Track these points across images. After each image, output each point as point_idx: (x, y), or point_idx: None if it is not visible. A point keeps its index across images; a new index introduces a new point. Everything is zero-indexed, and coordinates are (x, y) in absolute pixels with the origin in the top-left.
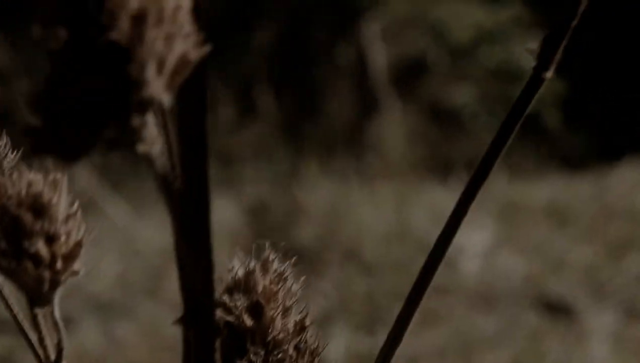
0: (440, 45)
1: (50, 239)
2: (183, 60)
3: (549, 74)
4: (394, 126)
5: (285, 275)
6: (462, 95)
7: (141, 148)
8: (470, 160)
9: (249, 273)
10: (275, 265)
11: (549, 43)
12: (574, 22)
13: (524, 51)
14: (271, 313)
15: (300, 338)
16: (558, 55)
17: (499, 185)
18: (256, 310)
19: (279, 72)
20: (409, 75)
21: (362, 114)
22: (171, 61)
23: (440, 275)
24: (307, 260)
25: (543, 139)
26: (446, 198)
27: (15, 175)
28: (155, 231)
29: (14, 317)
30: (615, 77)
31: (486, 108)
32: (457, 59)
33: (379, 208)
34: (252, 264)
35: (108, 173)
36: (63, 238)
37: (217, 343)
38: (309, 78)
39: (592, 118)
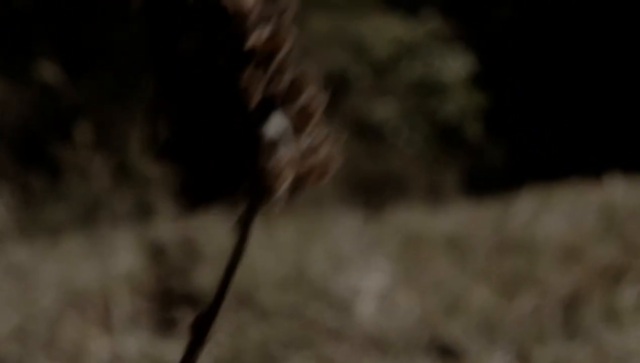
0: (361, 60)
1: None
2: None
3: None
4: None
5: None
6: (383, 110)
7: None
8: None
9: None
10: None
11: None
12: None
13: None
14: None
15: None
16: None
17: (400, 217)
18: None
19: None
20: (331, 91)
21: None
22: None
23: (334, 319)
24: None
25: (464, 153)
26: (350, 233)
27: None
28: (55, 275)
29: None
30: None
31: (408, 122)
32: (378, 74)
33: (278, 250)
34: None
35: (19, 210)
36: None
37: None
38: None
39: (511, 131)
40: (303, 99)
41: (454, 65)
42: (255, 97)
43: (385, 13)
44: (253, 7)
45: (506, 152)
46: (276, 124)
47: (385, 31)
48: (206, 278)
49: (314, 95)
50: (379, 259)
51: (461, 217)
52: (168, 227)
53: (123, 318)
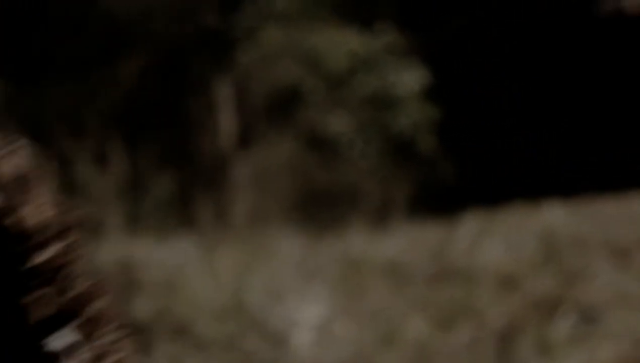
0: (316, 73)
1: None
2: None
3: None
4: (269, 157)
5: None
6: (338, 123)
7: None
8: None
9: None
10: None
11: None
12: None
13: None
14: None
15: None
16: None
17: (344, 241)
18: None
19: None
20: (285, 104)
21: (238, 145)
22: None
23: (270, 351)
24: (140, 336)
25: (416, 166)
26: (291, 260)
27: None
28: None
29: None
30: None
31: (362, 135)
32: (332, 87)
33: (217, 279)
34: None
35: None
36: None
37: None
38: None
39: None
40: (92, 309)
41: (408, 79)
42: (38, 313)
43: (340, 26)
44: (38, 225)
45: (456, 166)
46: (61, 337)
47: (340, 44)
48: (146, 307)
49: (104, 304)
50: (318, 288)
51: (403, 241)
52: (109, 252)
53: None
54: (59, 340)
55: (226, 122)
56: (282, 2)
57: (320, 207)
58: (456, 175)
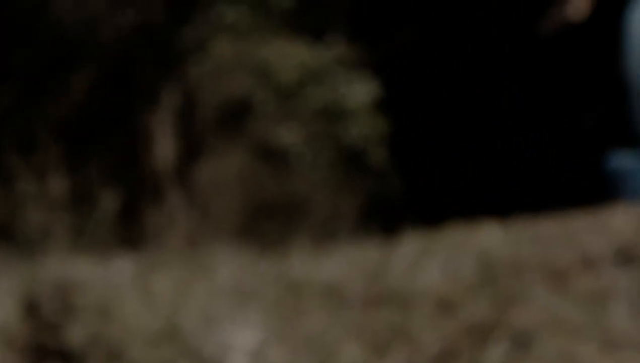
0: (266, 85)
1: None
2: None
3: None
4: (220, 169)
5: None
6: (288, 135)
7: None
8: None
9: None
10: None
11: None
12: None
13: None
14: None
15: None
16: None
17: (284, 261)
18: None
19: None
20: (235, 116)
21: (187, 158)
22: None
23: None
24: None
25: (367, 179)
26: (229, 281)
27: None
28: None
29: None
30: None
31: (313, 148)
32: (283, 99)
33: (152, 302)
34: None
35: None
36: None
37: None
38: (132, 124)
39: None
40: None
41: (359, 91)
42: None
43: (290, 38)
44: None
45: (403, 180)
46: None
47: (291, 56)
48: (80, 332)
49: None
50: (254, 312)
51: (343, 262)
52: (46, 274)
53: None
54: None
55: (172, 136)
56: (233, 14)
57: (268, 221)
58: (402, 189)
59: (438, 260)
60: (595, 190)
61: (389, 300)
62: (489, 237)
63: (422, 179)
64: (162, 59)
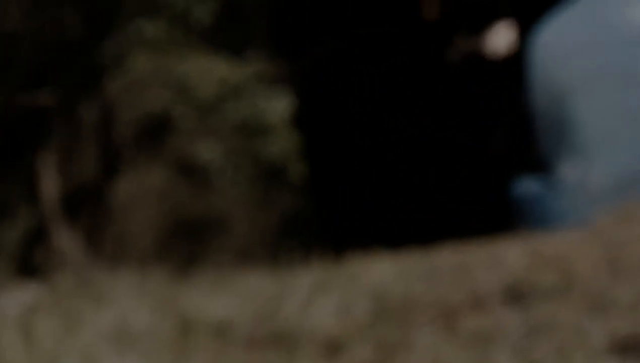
0: (185, 100)
1: None
2: None
3: None
4: (138, 186)
5: None
6: (208, 150)
7: None
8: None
9: None
10: None
11: None
12: None
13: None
14: None
15: None
16: None
17: (177, 301)
18: None
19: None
20: (154, 131)
21: (106, 174)
22: None
23: None
24: None
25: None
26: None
27: None
28: None
29: None
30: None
31: (232, 163)
32: (202, 115)
33: (35, 345)
34: None
35: None
36: None
37: None
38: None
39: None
40: None
41: (278, 106)
42: None
43: (209, 53)
44: None
45: (317, 198)
46: None
47: (210, 71)
48: None
49: None
50: (138, 355)
51: (238, 298)
52: None
53: None
54: None
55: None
56: (151, 28)
57: (187, 238)
58: (315, 208)
59: (331, 298)
60: (500, 216)
61: (277, 340)
62: (384, 272)
63: (331, 198)
64: (80, 74)
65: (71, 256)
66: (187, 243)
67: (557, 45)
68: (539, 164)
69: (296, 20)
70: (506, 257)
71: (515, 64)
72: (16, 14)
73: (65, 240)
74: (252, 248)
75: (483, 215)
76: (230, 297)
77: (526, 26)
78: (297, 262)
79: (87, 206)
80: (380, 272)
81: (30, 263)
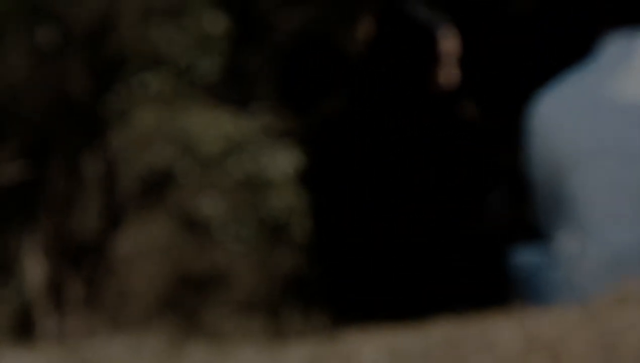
0: (188, 155)
1: None
2: None
3: None
4: (141, 241)
5: None
6: (211, 206)
7: None
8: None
9: None
10: None
11: None
12: None
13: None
14: None
15: None
16: None
17: None
18: None
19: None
20: (157, 186)
21: (109, 229)
22: None
23: None
24: None
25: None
26: None
27: None
28: None
29: None
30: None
31: (235, 219)
32: (205, 170)
33: None
34: None
35: None
36: None
37: None
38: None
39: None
40: None
41: (283, 162)
42: None
43: (213, 107)
44: None
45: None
46: None
47: (213, 126)
48: None
49: None
50: None
51: None
52: None
53: None
54: None
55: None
56: (156, 82)
57: (190, 294)
58: (317, 269)
59: None
60: (497, 287)
61: None
62: (377, 352)
63: (333, 259)
64: (84, 129)
65: (60, 335)
66: (189, 299)
67: (558, 116)
68: (537, 234)
69: (302, 74)
70: (500, 339)
71: (516, 133)
72: (20, 68)
73: (52, 323)
74: (254, 305)
75: (480, 283)
76: None
77: (528, 94)
78: (295, 325)
79: (88, 261)
80: (374, 351)
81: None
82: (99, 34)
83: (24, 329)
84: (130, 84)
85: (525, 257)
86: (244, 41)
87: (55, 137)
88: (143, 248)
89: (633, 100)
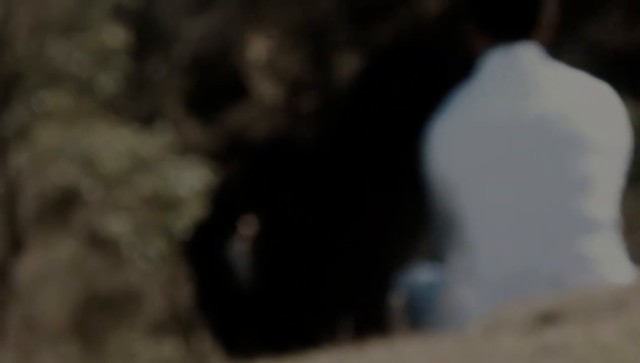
0: (93, 174)
1: None
2: None
3: None
4: (46, 262)
5: None
6: (117, 224)
7: None
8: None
9: None
10: None
11: None
12: None
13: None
14: None
15: None
16: None
17: None
18: None
19: None
20: (61, 205)
21: (11, 252)
22: None
23: None
24: None
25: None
26: None
27: None
28: None
29: None
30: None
31: (143, 236)
32: (110, 187)
33: None
34: None
35: None
36: None
37: None
38: None
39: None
40: None
41: (189, 178)
42: None
43: (117, 123)
44: None
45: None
46: None
47: (117, 144)
48: None
49: None
50: None
51: None
52: None
53: None
54: None
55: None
56: (55, 99)
57: (99, 314)
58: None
59: None
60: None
61: None
62: None
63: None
64: None
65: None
66: (97, 321)
67: (443, 139)
68: (436, 255)
69: (208, 85)
70: None
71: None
72: None
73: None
74: (164, 325)
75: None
76: None
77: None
78: (205, 346)
79: None
80: None
81: None
82: None
83: None
84: (29, 102)
85: (417, 277)
86: (146, 54)
87: None
88: (48, 270)
89: (514, 117)
